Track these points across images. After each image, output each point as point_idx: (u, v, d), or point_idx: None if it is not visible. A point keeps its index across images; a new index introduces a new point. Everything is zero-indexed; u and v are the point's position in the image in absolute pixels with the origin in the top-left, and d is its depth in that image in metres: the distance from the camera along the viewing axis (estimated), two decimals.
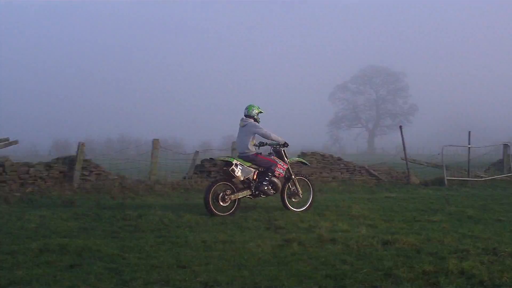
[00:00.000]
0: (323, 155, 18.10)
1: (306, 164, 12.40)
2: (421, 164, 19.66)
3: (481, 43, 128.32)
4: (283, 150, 11.25)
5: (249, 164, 10.73)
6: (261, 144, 11.38)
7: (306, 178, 11.67)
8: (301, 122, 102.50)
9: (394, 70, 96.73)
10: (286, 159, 11.22)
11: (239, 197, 10.52)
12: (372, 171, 18.09)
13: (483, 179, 18.17)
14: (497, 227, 8.99)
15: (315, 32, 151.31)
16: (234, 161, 10.54)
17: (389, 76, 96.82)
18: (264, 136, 10.91)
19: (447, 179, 17.41)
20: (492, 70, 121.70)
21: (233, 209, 10.36)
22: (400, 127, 20.22)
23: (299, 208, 11.05)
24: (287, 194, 11.17)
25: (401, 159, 18.88)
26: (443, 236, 7.95)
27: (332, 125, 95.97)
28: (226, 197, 10.30)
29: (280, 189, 11.07)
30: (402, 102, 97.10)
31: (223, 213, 10.17)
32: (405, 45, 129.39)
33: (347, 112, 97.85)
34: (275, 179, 10.93)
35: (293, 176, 11.28)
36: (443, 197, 13.82)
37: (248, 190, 10.71)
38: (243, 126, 10.96)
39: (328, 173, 17.68)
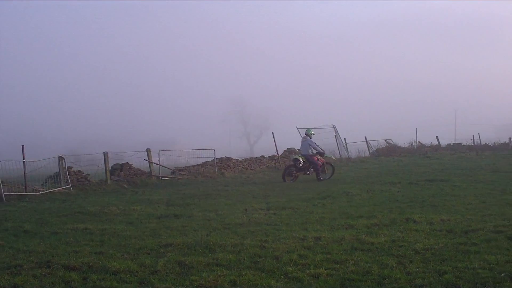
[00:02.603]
0: None
1: (332, 157, 23.91)
2: None
3: None
4: (320, 153, 21.48)
5: (305, 160, 20.93)
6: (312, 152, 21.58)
7: (332, 165, 22.12)
8: None
9: None
10: (322, 157, 21.43)
11: (298, 175, 20.82)
12: None
13: (40, 192, 18.36)
14: (53, 240, 9.36)
15: None
16: (300, 158, 21.00)
17: None
18: (315, 147, 21.33)
19: (5, 195, 17.03)
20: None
21: (295, 180, 20.56)
22: None
23: (325, 178, 20.94)
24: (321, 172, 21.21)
25: None
26: None
27: None
28: (293, 174, 20.78)
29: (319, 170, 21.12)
30: None
31: (289, 181, 20.38)
32: None
33: None
34: (317, 167, 20.88)
35: (324, 165, 21.49)
36: (1, 214, 13.54)
37: (302, 172, 20.95)
38: (305, 140, 21.38)
39: None
